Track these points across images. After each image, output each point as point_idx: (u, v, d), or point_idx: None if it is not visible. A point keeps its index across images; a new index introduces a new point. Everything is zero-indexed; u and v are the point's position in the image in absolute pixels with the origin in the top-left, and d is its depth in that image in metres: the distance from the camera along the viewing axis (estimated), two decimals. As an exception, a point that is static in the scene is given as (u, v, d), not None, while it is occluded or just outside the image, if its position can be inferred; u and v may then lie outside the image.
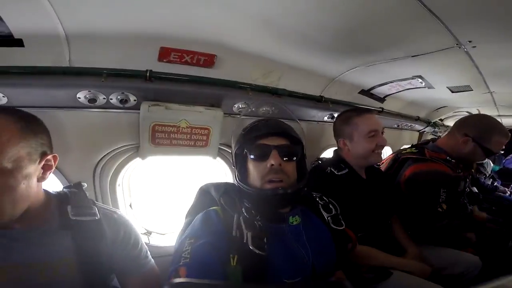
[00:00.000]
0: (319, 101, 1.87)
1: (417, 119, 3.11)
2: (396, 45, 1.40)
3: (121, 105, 1.25)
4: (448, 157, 1.65)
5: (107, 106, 1.24)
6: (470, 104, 2.85)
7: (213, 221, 0.92)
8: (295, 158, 1.06)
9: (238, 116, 1.59)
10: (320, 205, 1.13)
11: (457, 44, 1.27)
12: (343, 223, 1.12)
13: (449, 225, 1.60)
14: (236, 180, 1.09)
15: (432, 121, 3.41)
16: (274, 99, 1.60)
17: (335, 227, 1.09)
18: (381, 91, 2.22)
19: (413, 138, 3.69)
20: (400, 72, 1.82)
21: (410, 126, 3.15)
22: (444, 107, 3.11)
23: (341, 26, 1.19)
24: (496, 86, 2.06)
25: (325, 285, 0.97)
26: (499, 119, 3.84)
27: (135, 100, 1.26)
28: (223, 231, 0.89)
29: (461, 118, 1.74)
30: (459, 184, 1.72)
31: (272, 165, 0.98)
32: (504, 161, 4.31)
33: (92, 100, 1.19)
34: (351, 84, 1.99)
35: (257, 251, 0.84)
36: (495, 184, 3.69)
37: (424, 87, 2.13)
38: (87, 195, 1.03)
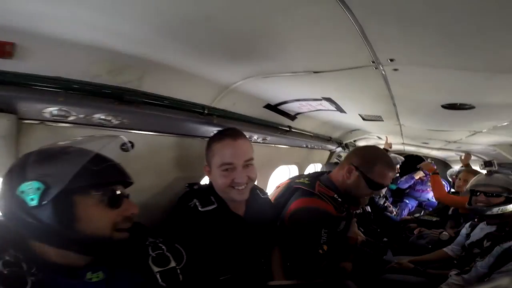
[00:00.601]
0: (201, 114, 1.37)
1: (329, 140, 2.93)
2: (292, 55, 1.02)
3: None
4: (336, 195, 1.57)
5: None
6: (380, 131, 2.82)
7: None
8: None
9: (54, 124, 0.98)
10: (150, 258, 0.95)
11: (373, 62, 0.90)
12: (180, 277, 0.95)
13: (327, 266, 1.51)
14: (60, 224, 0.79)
15: (344, 143, 3.34)
16: (116, 106, 1.02)
17: (163, 284, 0.92)
18: (291, 108, 1.92)
19: (323, 156, 3.59)
20: (307, 91, 1.50)
21: (321, 146, 2.95)
22: (357, 129, 3.05)
23: (208, 15, 0.77)
24: (406, 120, 1.94)
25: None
26: (402, 146, 4.07)
27: None
28: None
29: (351, 150, 1.67)
30: (339, 224, 1.63)
31: (133, 213, 0.88)
32: (398, 182, 4.65)
33: None
34: (253, 96, 1.60)
35: None
36: (385, 204, 3.88)
37: (336, 111, 1.88)
38: None
